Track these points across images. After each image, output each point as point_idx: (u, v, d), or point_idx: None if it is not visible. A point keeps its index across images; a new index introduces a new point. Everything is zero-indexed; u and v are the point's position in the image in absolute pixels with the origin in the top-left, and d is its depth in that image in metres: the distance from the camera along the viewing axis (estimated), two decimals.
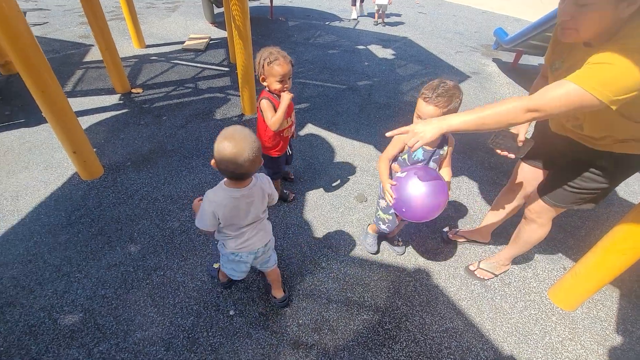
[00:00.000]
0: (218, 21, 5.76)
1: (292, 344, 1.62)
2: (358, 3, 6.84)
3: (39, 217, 2.14)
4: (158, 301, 1.75)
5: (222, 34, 5.28)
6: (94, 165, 2.40)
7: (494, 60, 5.36)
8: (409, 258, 2.09)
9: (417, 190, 1.38)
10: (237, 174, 1.23)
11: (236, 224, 1.38)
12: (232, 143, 1.15)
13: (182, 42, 4.80)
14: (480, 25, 7.29)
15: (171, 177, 2.51)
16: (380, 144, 3.10)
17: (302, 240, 2.14)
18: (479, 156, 3.06)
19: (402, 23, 6.92)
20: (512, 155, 1.43)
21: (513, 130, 1.43)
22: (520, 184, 1.81)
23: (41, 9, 5.78)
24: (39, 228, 2.06)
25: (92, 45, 4.46)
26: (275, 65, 1.74)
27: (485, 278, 1.98)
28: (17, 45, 1.79)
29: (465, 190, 2.66)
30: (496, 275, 1.99)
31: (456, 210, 2.47)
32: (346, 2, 8.02)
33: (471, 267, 2.02)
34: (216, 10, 5.83)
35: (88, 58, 4.18)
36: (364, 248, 2.11)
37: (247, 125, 2.71)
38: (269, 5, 6.35)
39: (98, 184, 2.40)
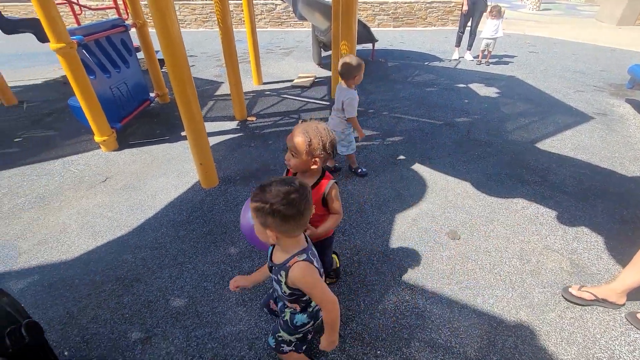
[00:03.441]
0: (324, 62, 6.41)
1: None
2: (466, 50, 6.77)
3: (167, 213, 2.59)
4: (247, 302, 1.90)
5: (326, 73, 5.83)
6: (213, 176, 2.84)
7: (628, 100, 4.58)
8: (509, 309, 1.83)
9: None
10: None
11: None
12: None
13: (292, 80, 5.46)
14: (607, 63, 6.39)
15: None
16: (479, 182, 2.89)
17: (386, 269, 2.09)
18: (606, 206, 2.58)
19: (509, 62, 6.54)
20: None
21: None
22: None
23: (191, 55, 7.34)
24: (166, 222, 2.50)
25: (222, 83, 5.44)
26: None
27: None
28: (180, 82, 2.32)
29: (585, 243, 2.25)
30: None
31: (573, 265, 2.10)
32: (447, 44, 8.03)
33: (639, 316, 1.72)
34: (323, 54, 6.52)
35: (218, 92, 5.09)
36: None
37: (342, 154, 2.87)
38: (371, 48, 6.79)
39: (213, 192, 2.81)
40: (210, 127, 3.94)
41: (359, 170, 2.99)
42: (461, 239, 2.30)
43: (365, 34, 5.95)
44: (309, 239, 1.24)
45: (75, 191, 2.84)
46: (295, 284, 1.13)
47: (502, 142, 3.57)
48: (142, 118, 4.20)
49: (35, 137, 3.77)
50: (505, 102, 4.62)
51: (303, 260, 1.11)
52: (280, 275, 1.16)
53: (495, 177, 2.98)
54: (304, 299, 1.24)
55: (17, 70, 6.20)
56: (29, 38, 5.50)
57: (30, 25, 4.96)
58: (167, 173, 3.09)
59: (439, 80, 5.55)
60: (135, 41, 4.29)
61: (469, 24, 6.51)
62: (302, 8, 5.33)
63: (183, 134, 3.77)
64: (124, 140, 3.64)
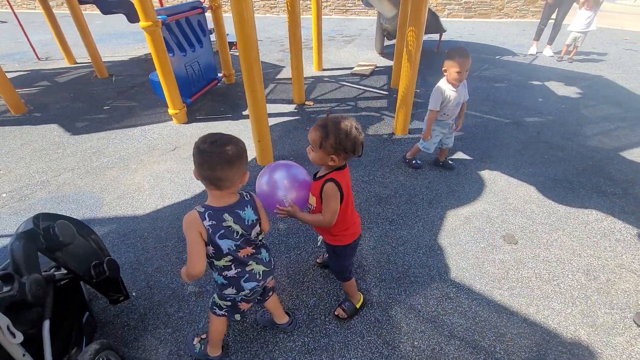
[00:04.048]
0: (386, 52, 6.25)
1: None
2: (546, 45, 6.12)
3: None
4: (291, 275, 1.99)
5: (387, 62, 5.68)
6: (268, 154, 2.97)
7: None
8: (567, 325, 1.69)
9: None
10: None
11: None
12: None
13: (352, 68, 5.43)
14: None
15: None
16: (546, 188, 2.65)
17: (432, 263, 2.04)
18: None
19: (598, 60, 5.79)
20: None
21: None
22: None
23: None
24: None
25: (284, 67, 5.59)
26: None
27: None
28: (248, 62, 2.45)
29: None
30: None
31: None
32: (524, 37, 7.33)
33: None
34: (386, 43, 6.35)
35: (279, 76, 5.25)
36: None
37: (396, 144, 2.82)
38: (438, 39, 6.46)
39: None
40: (269, 108, 4.07)
41: (414, 161, 2.91)
42: (518, 244, 2.15)
43: (434, 23, 5.66)
44: (239, 206, 1.23)
45: (149, 156, 3.17)
46: None
47: (578, 146, 3.21)
48: (209, 95, 4.50)
49: (120, 106, 4.26)
50: (587, 104, 4.12)
51: (196, 210, 1.18)
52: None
53: (566, 183, 2.71)
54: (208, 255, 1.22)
55: (109, 47, 6.99)
56: (120, 19, 6.14)
57: (124, 7, 5.51)
58: None
59: (510, 75, 5.12)
60: (210, 24, 4.57)
61: (554, 15, 5.85)
62: None
63: (244, 113, 3.97)
64: (192, 114, 3.95)
